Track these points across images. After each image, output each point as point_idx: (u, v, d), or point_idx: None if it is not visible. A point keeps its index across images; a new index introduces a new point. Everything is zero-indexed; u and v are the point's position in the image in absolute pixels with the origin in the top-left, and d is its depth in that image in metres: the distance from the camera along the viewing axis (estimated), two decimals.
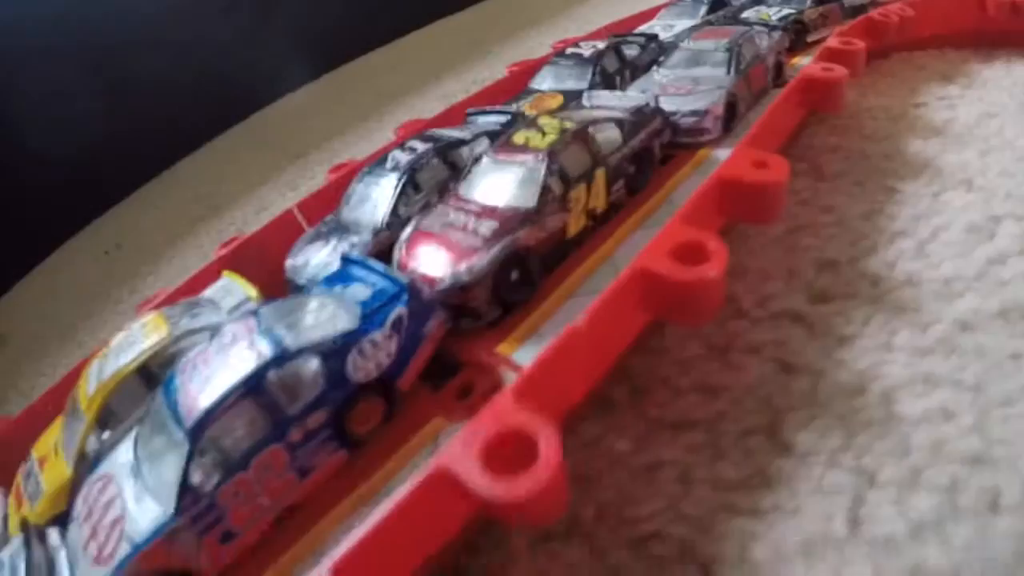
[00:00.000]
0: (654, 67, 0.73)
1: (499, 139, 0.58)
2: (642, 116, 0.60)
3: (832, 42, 0.67)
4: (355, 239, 0.56)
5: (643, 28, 0.91)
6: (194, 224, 1.22)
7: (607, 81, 0.75)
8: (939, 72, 0.81)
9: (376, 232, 0.56)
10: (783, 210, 0.45)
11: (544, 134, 0.55)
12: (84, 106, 1.24)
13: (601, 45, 0.78)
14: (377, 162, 0.62)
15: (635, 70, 0.77)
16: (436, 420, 0.42)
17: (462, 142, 0.63)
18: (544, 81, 0.77)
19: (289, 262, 0.59)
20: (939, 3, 0.85)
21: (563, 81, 0.75)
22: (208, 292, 0.56)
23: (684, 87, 0.66)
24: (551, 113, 0.60)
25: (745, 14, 0.87)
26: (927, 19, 0.84)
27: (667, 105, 0.64)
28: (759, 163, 0.44)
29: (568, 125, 0.55)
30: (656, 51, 0.79)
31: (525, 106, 0.73)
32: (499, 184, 0.53)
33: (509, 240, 0.47)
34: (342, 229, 0.58)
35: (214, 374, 0.36)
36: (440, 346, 0.46)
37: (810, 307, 0.46)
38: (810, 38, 0.85)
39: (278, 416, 0.36)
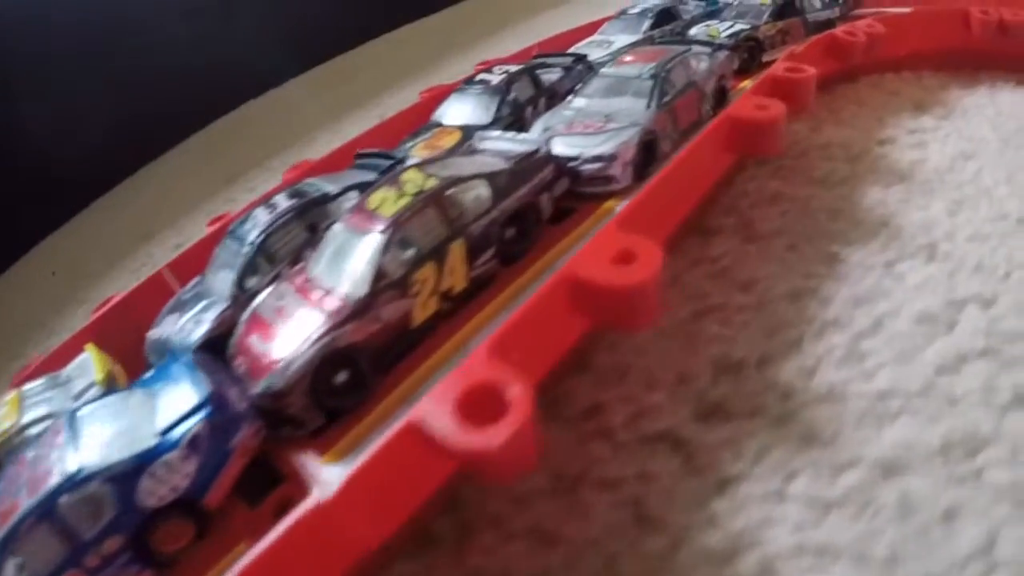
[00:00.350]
0: (569, 97, 0.62)
1: (360, 199, 0.48)
2: (528, 165, 0.49)
3: (777, 68, 0.56)
4: (205, 314, 0.48)
5: (581, 44, 0.81)
6: (129, 251, 1.13)
7: (516, 112, 0.64)
8: (912, 99, 0.70)
9: (221, 310, 0.47)
10: (656, 316, 0.34)
11: (400, 195, 0.45)
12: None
13: (515, 69, 0.68)
14: (241, 219, 0.53)
15: (553, 98, 0.66)
16: (240, 547, 0.36)
17: (326, 198, 0.53)
18: (447, 112, 0.67)
19: (149, 335, 0.51)
20: (916, 20, 0.74)
21: (467, 113, 0.65)
22: (69, 367, 0.51)
23: (593, 124, 0.55)
24: (422, 165, 0.50)
25: (693, 30, 0.76)
26: (902, 37, 0.73)
27: (569, 148, 0.53)
28: (622, 255, 0.33)
29: (429, 184, 0.45)
30: (580, 76, 0.68)
31: (420, 145, 0.62)
32: (339, 262, 0.43)
33: (329, 339, 0.39)
34: (205, 296, 0.50)
35: (20, 489, 0.36)
36: (260, 454, 0.40)
37: (695, 428, 0.35)
38: (767, 57, 0.74)
39: (75, 541, 0.35)
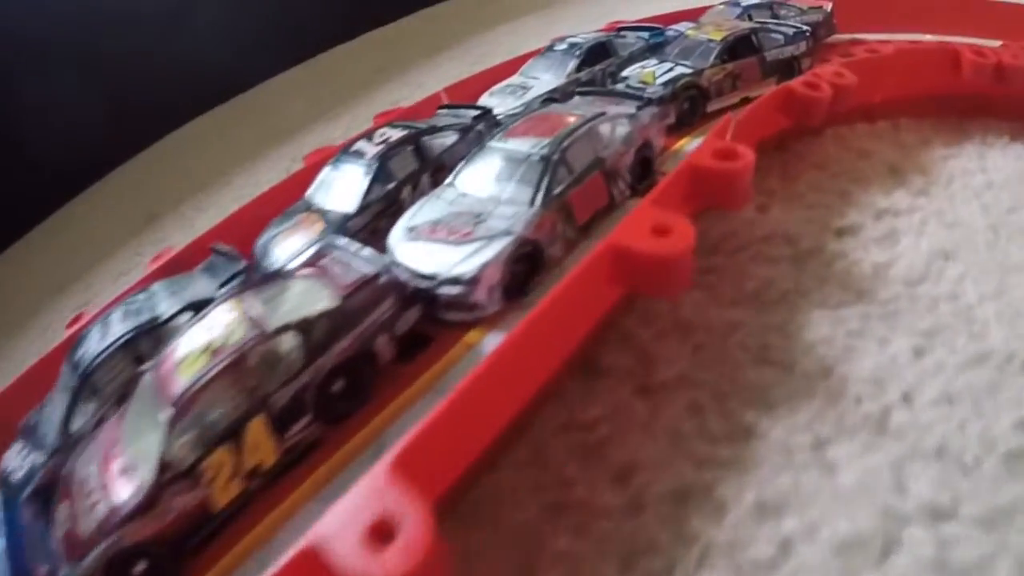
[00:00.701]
0: (450, 177, 0.50)
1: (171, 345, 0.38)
2: (361, 302, 0.38)
3: (700, 153, 0.44)
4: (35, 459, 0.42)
5: (497, 88, 0.68)
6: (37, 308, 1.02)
7: (392, 195, 0.52)
8: (886, 163, 0.57)
9: (45, 460, 0.41)
10: None
11: (205, 349, 0.35)
12: None
13: (395, 135, 0.55)
14: (79, 338, 0.46)
15: (440, 171, 0.54)
16: None
17: (154, 323, 0.44)
18: (318, 191, 0.55)
19: None
20: (896, 62, 0.61)
21: (337, 193, 0.53)
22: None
23: (460, 228, 0.43)
24: (242, 296, 0.39)
25: (626, 72, 0.63)
26: (879, 82, 0.60)
27: (426, 262, 0.41)
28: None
29: (235, 336, 0.35)
30: (478, 139, 0.56)
31: (280, 236, 0.51)
32: (137, 435, 0.35)
33: (115, 538, 0.32)
34: (40, 429, 0.44)
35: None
36: None
37: None
38: (712, 107, 0.61)
39: None
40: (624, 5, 1.14)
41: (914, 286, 0.44)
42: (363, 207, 0.51)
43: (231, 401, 0.34)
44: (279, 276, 0.42)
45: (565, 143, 0.47)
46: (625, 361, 0.41)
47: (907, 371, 0.38)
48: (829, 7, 0.74)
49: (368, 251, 0.43)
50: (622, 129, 0.51)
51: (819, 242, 0.48)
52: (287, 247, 0.50)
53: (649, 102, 0.55)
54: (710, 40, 0.63)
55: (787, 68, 0.65)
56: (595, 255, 0.36)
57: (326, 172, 0.56)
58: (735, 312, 0.42)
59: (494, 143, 0.50)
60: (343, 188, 0.53)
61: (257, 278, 0.46)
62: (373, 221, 0.51)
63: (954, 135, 0.61)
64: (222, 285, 0.48)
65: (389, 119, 0.69)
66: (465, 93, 0.70)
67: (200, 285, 0.49)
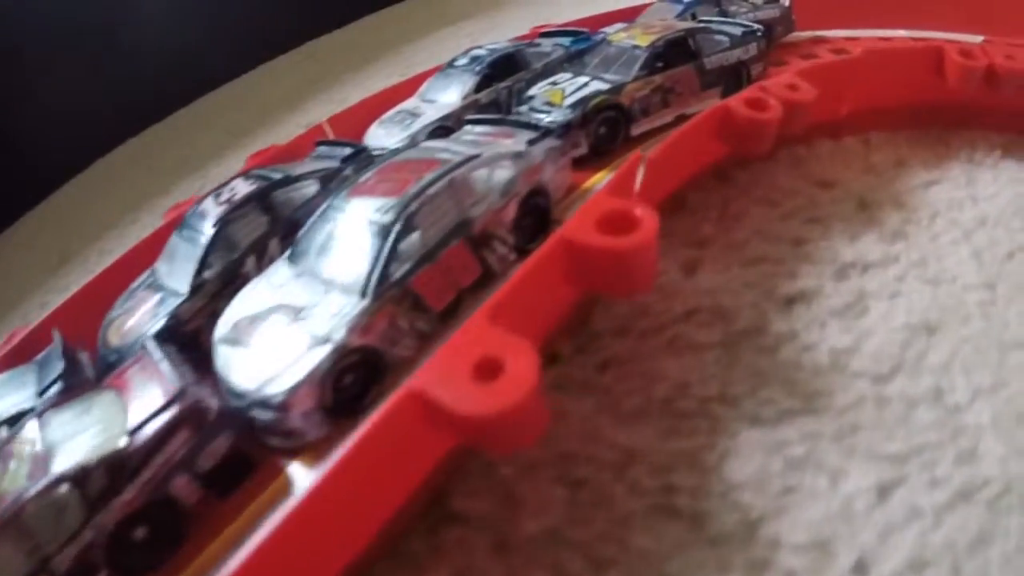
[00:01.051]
0: (285, 254, 0.39)
1: None
2: (151, 435, 0.29)
3: (581, 219, 0.32)
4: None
5: (387, 115, 0.56)
6: None
7: (229, 275, 0.41)
8: (853, 195, 0.46)
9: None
10: None
11: None
12: None
13: (243, 190, 0.44)
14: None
15: (294, 231, 0.42)
16: None
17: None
18: (162, 264, 0.44)
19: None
20: (865, 66, 0.49)
21: (173, 270, 0.42)
22: None
23: (279, 329, 0.32)
24: (40, 418, 0.31)
25: (533, 90, 0.52)
26: (845, 92, 0.49)
27: (238, 376, 0.31)
28: None
29: (16, 483, 0.29)
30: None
31: (112, 327, 0.41)
32: None
33: None
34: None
35: None
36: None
37: None
38: (639, 129, 0.50)
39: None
40: (574, 7, 1.02)
41: (884, 383, 0.33)
42: (195, 288, 0.40)
43: (10, 564, 0.28)
44: (95, 384, 0.36)
45: (413, 206, 0.35)
46: (483, 505, 0.30)
47: (865, 524, 0.27)
48: (787, 1, 0.62)
49: (166, 366, 0.33)
50: (503, 174, 0.39)
51: (760, 319, 0.36)
52: (123, 335, 0.41)
53: (546, 133, 0.43)
54: (635, 46, 0.51)
55: (734, 76, 0.53)
56: (396, 400, 0.25)
57: (172, 239, 0.45)
58: (634, 433, 0.31)
59: (338, 202, 0.38)
60: (179, 263, 0.42)
61: (78, 380, 0.38)
62: (210, 303, 0.41)
63: (936, 152, 0.50)
64: (41, 392, 0.38)
65: (262, 159, 0.58)
66: (353, 123, 0.59)
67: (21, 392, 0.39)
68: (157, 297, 0.42)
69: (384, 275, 0.33)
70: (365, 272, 0.33)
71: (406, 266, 0.33)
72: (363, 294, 0.32)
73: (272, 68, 1.20)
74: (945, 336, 0.35)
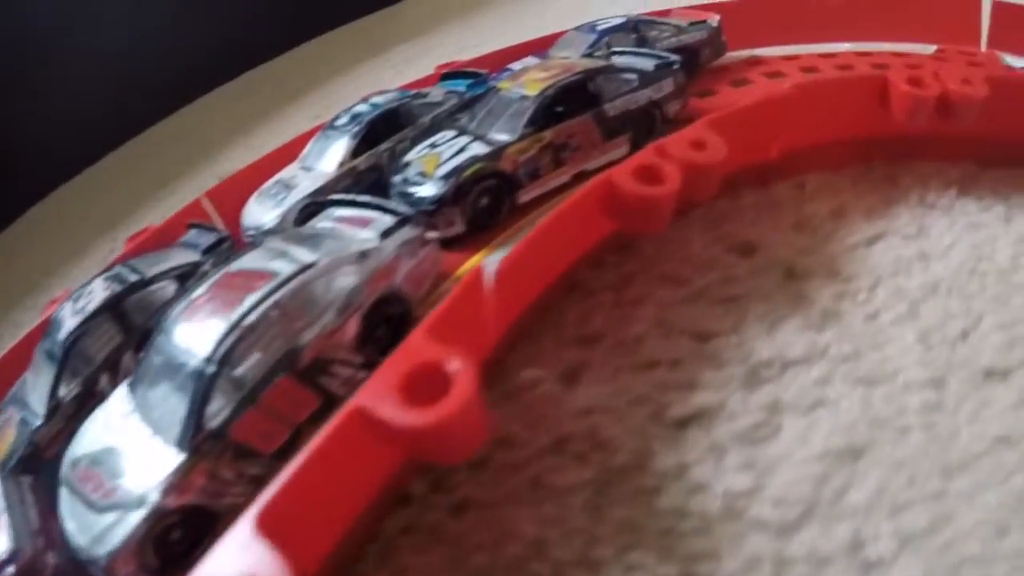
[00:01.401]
0: (129, 378, 0.33)
1: None
2: None
3: (380, 380, 0.24)
4: None
5: (270, 182, 0.50)
6: None
7: (83, 396, 0.36)
8: (778, 263, 0.39)
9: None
10: None
11: None
12: None
13: (98, 296, 0.38)
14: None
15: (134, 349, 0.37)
16: None
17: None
18: (29, 374, 0.39)
19: None
20: (797, 106, 0.42)
21: (37, 383, 0.37)
22: None
23: (104, 480, 0.28)
24: None
25: (411, 155, 0.45)
26: (772, 135, 0.42)
27: (72, 527, 0.28)
28: None
29: None
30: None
31: None
32: None
33: None
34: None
35: None
36: None
37: None
38: (527, 195, 0.43)
39: None
40: (493, 31, 0.96)
41: (788, 536, 0.26)
42: (52, 410, 0.36)
43: None
44: None
45: (229, 340, 0.29)
46: None
47: None
48: (716, 21, 0.55)
49: (5, 519, 0.30)
50: (345, 283, 0.33)
51: (644, 449, 0.30)
52: None
53: (404, 221, 0.37)
54: (524, 96, 0.44)
55: (645, 119, 0.47)
56: None
57: (37, 347, 0.40)
58: None
59: (167, 324, 0.32)
60: (41, 376, 0.38)
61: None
62: (68, 426, 0.36)
63: (882, 194, 0.43)
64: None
65: (136, 246, 0.52)
66: (236, 193, 0.53)
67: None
68: (19, 417, 0.37)
69: (198, 426, 0.28)
70: (182, 419, 0.28)
71: (224, 413, 0.28)
72: (180, 446, 0.27)
73: (203, 105, 1.14)
74: (873, 462, 0.28)
